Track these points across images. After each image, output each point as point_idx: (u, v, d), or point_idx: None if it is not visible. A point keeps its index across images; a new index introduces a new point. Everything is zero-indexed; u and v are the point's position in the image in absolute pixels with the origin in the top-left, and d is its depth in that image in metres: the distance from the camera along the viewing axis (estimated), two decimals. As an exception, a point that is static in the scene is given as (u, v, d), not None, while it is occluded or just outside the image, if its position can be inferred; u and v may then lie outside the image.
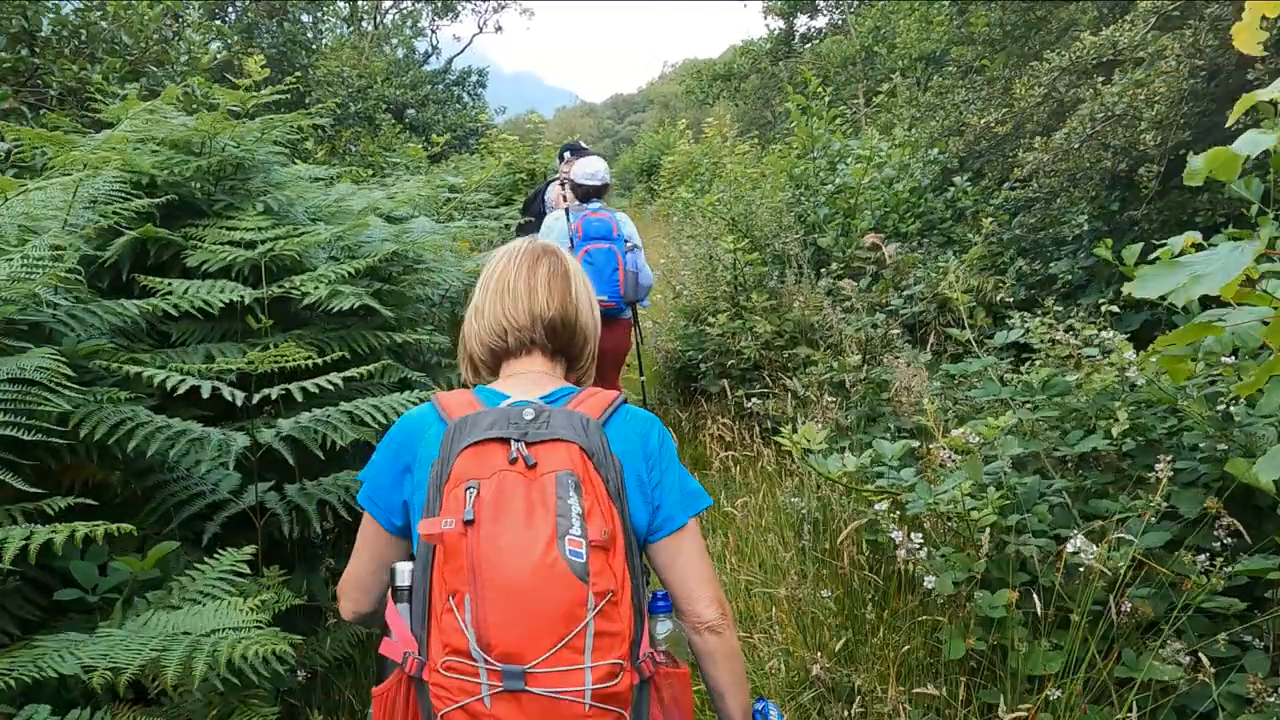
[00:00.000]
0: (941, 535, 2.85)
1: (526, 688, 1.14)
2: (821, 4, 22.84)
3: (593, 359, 1.58)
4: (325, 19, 17.70)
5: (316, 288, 3.30)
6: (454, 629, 1.17)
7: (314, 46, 13.35)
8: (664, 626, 1.41)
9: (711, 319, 6.05)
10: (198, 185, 3.67)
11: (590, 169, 5.01)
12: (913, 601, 2.76)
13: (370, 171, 7.89)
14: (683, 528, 1.39)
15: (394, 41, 25.12)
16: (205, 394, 2.43)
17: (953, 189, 7.38)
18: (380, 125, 13.53)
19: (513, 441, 1.26)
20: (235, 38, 8.94)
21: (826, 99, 9.52)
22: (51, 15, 5.68)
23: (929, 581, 2.36)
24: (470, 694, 1.17)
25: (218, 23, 9.57)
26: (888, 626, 2.65)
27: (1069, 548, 2.37)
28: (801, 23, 24.84)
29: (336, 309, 3.28)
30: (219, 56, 7.50)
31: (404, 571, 1.32)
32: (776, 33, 24.05)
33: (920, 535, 2.43)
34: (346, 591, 1.46)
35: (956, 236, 7.15)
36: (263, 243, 3.43)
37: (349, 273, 3.42)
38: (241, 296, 3.18)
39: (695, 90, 24.17)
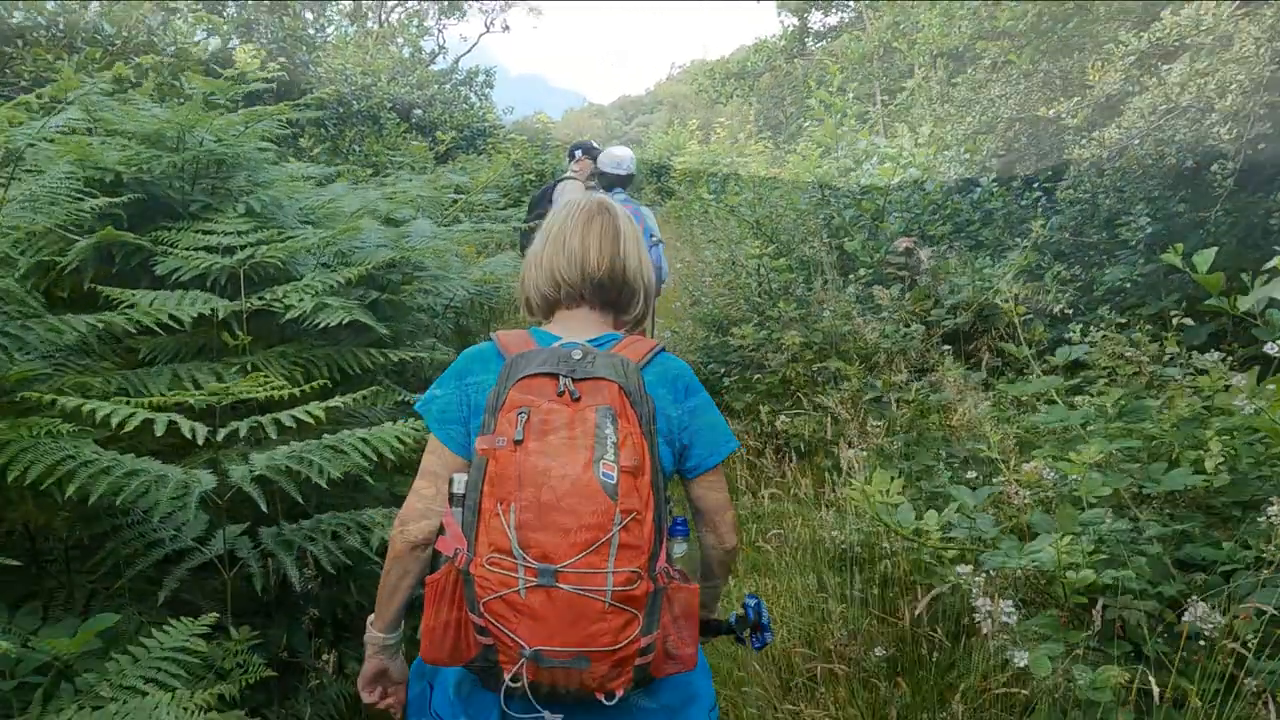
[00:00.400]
0: (1019, 590, 2.46)
1: (557, 584, 1.33)
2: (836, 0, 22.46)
3: (644, 308, 1.72)
4: (328, 15, 17.42)
5: (301, 300, 2.93)
6: (499, 531, 1.37)
7: (316, 42, 13.03)
8: (680, 548, 1.62)
9: (735, 329, 5.67)
10: (171, 184, 3.31)
11: (617, 157, 4.86)
12: (990, 664, 2.37)
13: (371, 171, 7.53)
14: (716, 467, 1.62)
15: (400, 40, 24.85)
16: (159, 431, 2.06)
17: (978, 190, 6.99)
18: (385, 124, 13.20)
19: (561, 377, 1.45)
20: (226, 27, 8.60)
21: (851, 95, 9.13)
22: (24, 3, 5.34)
23: (1019, 659, 1.97)
24: (508, 586, 1.35)
25: (211, 15, 9.23)
26: (966, 703, 2.26)
27: (1187, 617, 1.99)
28: (815, 19, 24.48)
29: (324, 324, 2.92)
30: (209, 49, 7.16)
31: (460, 481, 1.50)
32: (790, 30, 23.68)
33: (1009, 602, 2.04)
34: (409, 520, 1.53)
35: (986, 240, 6.77)
36: (243, 248, 3.06)
37: (338, 283, 3.05)
38: (215, 309, 2.82)
39: (707, 90, 23.81)
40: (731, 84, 23.32)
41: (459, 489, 1.50)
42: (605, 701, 1.40)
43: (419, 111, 18.38)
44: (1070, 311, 4.40)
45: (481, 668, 1.46)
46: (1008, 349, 3.87)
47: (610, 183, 4.68)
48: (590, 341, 1.59)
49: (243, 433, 2.21)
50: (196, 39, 7.03)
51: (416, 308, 3.81)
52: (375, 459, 2.40)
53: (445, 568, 1.45)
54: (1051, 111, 5.06)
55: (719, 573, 1.73)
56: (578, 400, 1.43)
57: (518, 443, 1.40)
